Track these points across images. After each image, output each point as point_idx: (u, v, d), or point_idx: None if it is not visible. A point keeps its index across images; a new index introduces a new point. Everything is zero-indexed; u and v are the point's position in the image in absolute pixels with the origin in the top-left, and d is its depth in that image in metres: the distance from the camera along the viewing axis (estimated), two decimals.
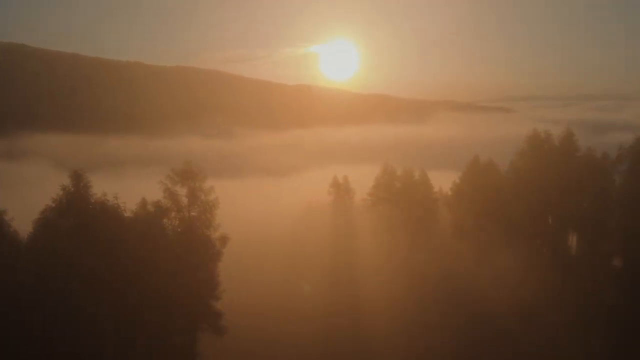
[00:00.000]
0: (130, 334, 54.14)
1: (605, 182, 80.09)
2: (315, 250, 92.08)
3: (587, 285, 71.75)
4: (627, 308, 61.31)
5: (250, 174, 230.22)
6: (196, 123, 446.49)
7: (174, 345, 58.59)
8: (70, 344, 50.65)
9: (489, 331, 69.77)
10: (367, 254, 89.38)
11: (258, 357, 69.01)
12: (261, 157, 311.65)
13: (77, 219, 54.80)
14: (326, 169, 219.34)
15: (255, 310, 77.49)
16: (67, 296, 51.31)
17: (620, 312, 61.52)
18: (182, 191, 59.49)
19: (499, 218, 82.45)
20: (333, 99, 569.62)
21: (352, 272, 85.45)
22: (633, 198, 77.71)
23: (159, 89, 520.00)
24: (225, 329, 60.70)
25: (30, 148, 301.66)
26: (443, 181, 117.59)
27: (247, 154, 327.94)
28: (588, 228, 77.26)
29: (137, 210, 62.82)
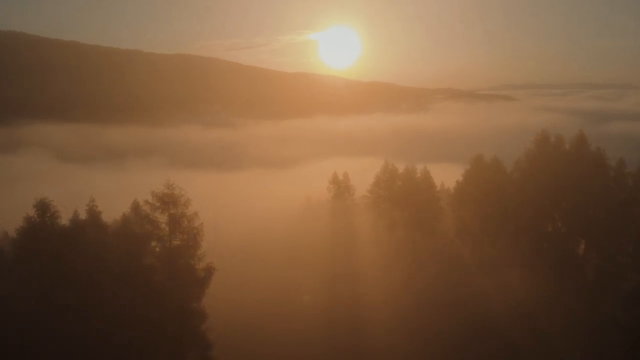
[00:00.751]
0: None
1: (621, 191, 76.96)
2: (314, 248, 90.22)
3: (597, 298, 69.20)
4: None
5: (249, 165, 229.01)
6: (196, 112, 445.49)
7: None
8: None
9: (489, 338, 68.43)
10: (366, 254, 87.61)
11: (257, 356, 67.94)
12: (260, 147, 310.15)
13: (40, 255, 51.41)
14: (326, 161, 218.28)
15: (253, 309, 76.27)
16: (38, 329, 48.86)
17: (633, 333, 58.80)
18: (162, 218, 55.10)
19: (504, 221, 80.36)
20: (333, 87, 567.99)
21: (351, 271, 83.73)
22: None
23: (158, 78, 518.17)
24: None
25: (28, 138, 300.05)
26: (446, 175, 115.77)
27: (247, 144, 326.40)
28: (600, 238, 74.78)
29: (129, 213, 61.23)
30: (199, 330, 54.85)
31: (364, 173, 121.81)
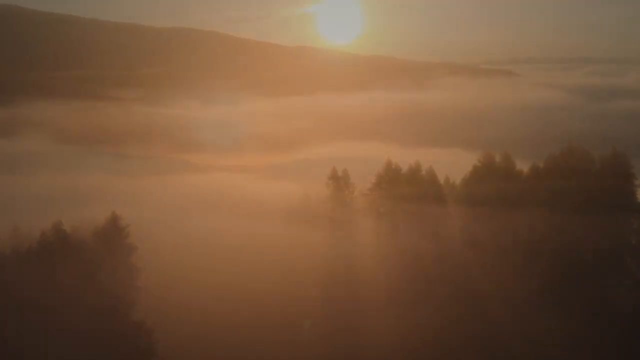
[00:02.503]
0: None
1: None
2: (311, 255, 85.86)
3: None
4: None
5: (250, 148, 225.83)
6: (194, 87, 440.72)
7: None
8: None
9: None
10: (367, 267, 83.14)
11: None
12: (261, 126, 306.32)
13: None
14: (326, 147, 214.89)
15: (250, 315, 73.12)
16: None
17: None
18: None
19: (516, 233, 76.02)
20: (333, 61, 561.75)
21: (349, 277, 79.53)
22: None
23: (155, 52, 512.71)
24: None
25: (24, 117, 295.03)
26: (451, 165, 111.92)
27: (247, 122, 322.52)
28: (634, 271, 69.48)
29: (106, 225, 57.50)
30: None
31: (364, 161, 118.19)
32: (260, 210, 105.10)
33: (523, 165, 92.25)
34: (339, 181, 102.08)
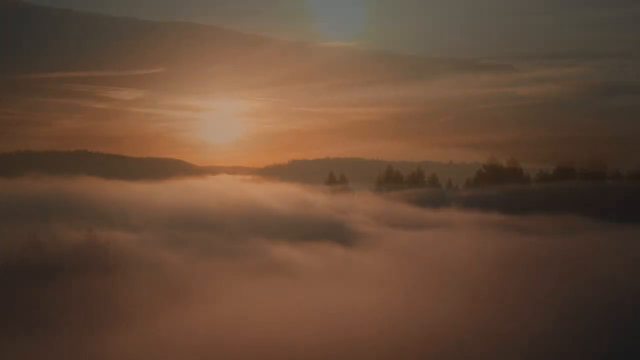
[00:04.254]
0: None
1: None
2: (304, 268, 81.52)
3: None
4: None
5: (251, 145, 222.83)
6: (194, 82, 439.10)
7: None
8: None
9: None
10: (364, 279, 78.75)
11: None
12: (261, 122, 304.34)
13: None
14: (326, 147, 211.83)
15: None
16: None
17: None
18: None
19: (524, 242, 72.31)
20: (333, 57, 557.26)
21: (347, 295, 75.16)
22: None
23: (154, 48, 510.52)
24: None
25: (19, 116, 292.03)
26: (452, 164, 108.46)
27: (248, 119, 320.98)
28: None
29: (83, 244, 53.17)
30: None
31: (365, 162, 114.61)
32: (259, 216, 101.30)
33: (527, 166, 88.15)
34: (338, 186, 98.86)
